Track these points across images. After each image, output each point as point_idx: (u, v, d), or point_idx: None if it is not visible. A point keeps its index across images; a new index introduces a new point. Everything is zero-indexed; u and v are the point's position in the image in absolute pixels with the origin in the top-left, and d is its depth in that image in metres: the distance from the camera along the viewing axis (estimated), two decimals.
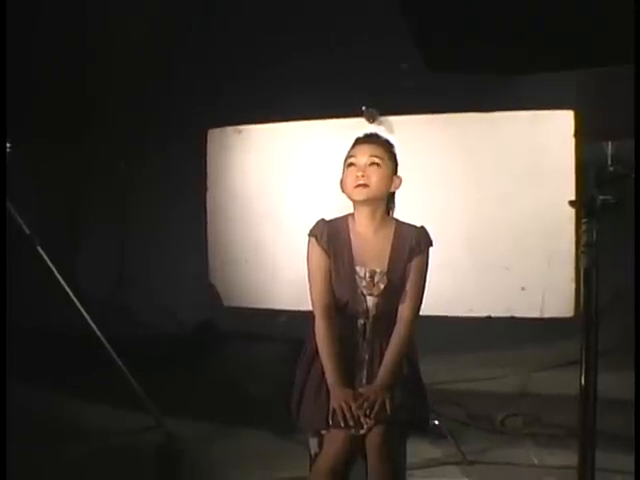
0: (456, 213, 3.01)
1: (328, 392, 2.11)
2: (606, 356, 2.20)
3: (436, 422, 3.05)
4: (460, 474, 2.93)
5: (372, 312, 2.19)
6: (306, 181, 3.19)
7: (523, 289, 2.94)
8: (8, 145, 3.15)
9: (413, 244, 2.19)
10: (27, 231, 3.33)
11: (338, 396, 2.09)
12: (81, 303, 3.38)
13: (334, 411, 2.07)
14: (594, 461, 2.01)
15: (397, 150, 2.28)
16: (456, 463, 2.98)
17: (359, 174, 2.17)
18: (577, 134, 2.86)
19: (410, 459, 2.30)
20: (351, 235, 2.22)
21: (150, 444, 3.18)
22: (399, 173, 2.26)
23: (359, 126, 2.86)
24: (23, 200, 3.40)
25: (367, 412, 2.05)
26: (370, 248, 2.20)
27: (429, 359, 2.44)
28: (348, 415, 2.05)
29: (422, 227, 2.24)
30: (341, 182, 2.24)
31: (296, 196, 3.22)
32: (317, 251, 2.21)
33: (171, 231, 5.04)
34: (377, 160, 2.19)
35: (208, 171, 3.43)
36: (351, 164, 2.21)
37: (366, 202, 2.19)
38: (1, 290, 2.68)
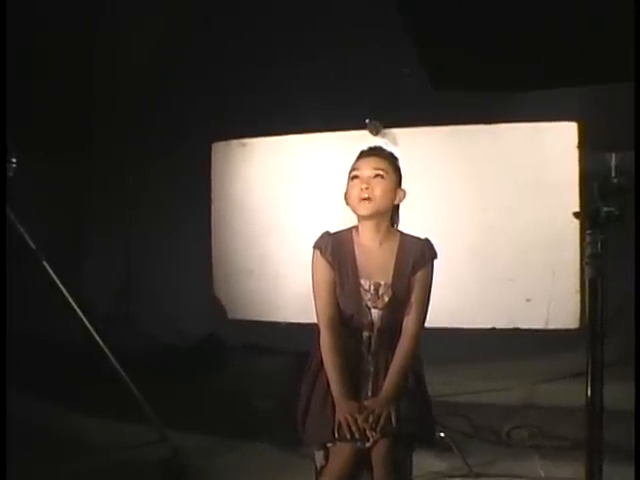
0: (460, 225, 3.01)
1: (334, 405, 2.11)
2: (612, 367, 2.19)
3: (442, 434, 3.03)
4: None
5: (377, 325, 2.19)
6: (310, 193, 3.20)
7: (528, 300, 2.94)
8: (14, 160, 3.16)
9: (417, 256, 2.20)
10: (33, 246, 3.33)
11: (343, 409, 2.08)
12: (85, 315, 3.38)
13: (340, 424, 2.07)
14: (601, 473, 2.00)
15: (401, 163, 2.29)
16: (462, 476, 2.97)
17: (363, 187, 2.18)
18: (580, 145, 2.86)
19: (416, 472, 2.29)
20: (355, 248, 2.23)
21: (154, 458, 3.16)
22: (403, 186, 2.27)
23: (363, 138, 2.88)
24: (27, 212, 3.40)
25: (373, 425, 2.05)
26: (375, 261, 2.21)
27: (434, 371, 2.44)
28: (354, 428, 2.05)
29: (426, 239, 2.24)
30: (345, 195, 2.25)
31: (300, 208, 3.22)
32: (321, 263, 2.22)
33: (175, 243, 5.05)
34: (381, 172, 2.20)
35: (213, 184, 3.45)
36: (355, 177, 2.22)
37: (371, 216, 2.20)
38: (2, 301, 2.67)
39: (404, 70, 3.75)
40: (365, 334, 2.19)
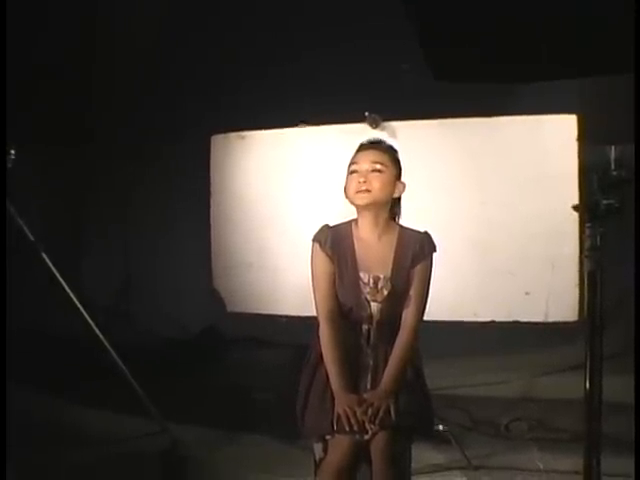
0: (460, 218, 3.01)
1: (333, 397, 2.11)
2: (611, 360, 2.19)
3: (440, 427, 3.04)
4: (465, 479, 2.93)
5: (376, 317, 2.19)
6: (309, 186, 3.20)
7: (527, 294, 2.94)
8: (12, 152, 3.16)
9: (417, 250, 2.20)
10: (31, 238, 3.33)
11: (342, 401, 2.09)
12: (85, 309, 3.38)
13: (339, 416, 2.07)
14: (600, 466, 2.00)
15: (400, 155, 2.29)
16: (461, 468, 2.98)
17: (361, 180, 2.18)
18: (580, 138, 2.86)
19: (415, 464, 2.30)
20: (355, 241, 2.23)
21: (154, 450, 3.17)
22: (402, 179, 2.26)
23: (362, 131, 2.87)
24: (27, 207, 3.40)
25: (371, 418, 2.06)
26: (374, 254, 2.21)
27: (433, 364, 2.44)
28: (353, 420, 2.05)
29: (426, 233, 2.24)
30: (344, 188, 2.25)
31: (299, 201, 3.22)
32: (321, 257, 2.22)
33: (175, 237, 5.04)
34: (379, 166, 2.20)
35: (212, 177, 3.44)
36: (354, 170, 2.22)
37: (368, 207, 2.20)
38: (2, 294, 2.67)
39: (403, 66, 3.73)
40: (364, 327, 2.20)
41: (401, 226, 2.26)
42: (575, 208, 2.20)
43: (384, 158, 2.22)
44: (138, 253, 5.35)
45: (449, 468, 2.99)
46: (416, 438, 2.22)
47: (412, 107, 3.12)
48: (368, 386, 2.17)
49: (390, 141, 2.36)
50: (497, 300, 2.99)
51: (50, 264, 3.35)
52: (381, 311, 2.19)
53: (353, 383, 2.14)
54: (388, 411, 2.07)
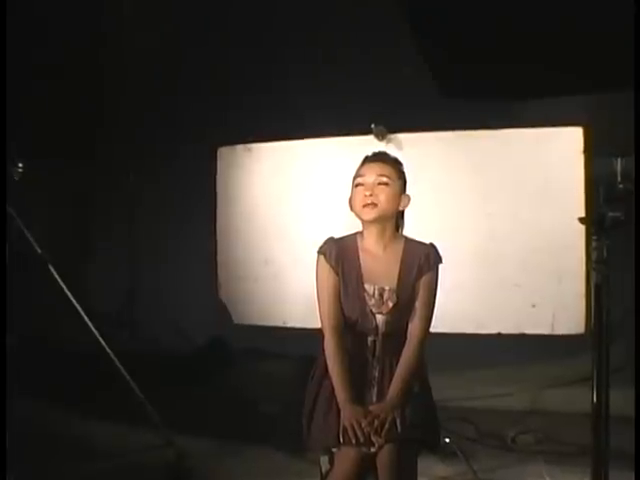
0: (465, 230, 3.01)
1: (339, 410, 2.11)
2: (618, 372, 2.19)
3: (447, 440, 3.03)
4: None
5: (382, 330, 2.19)
6: (315, 198, 3.21)
7: (533, 306, 2.94)
8: (20, 165, 3.18)
9: (422, 261, 2.20)
10: (38, 250, 3.34)
11: (349, 414, 2.08)
12: (90, 319, 3.38)
13: (345, 429, 2.07)
14: (607, 479, 2.00)
15: (406, 167, 2.29)
16: None
17: (367, 193, 2.18)
18: (586, 150, 2.86)
19: (421, 477, 2.28)
20: (360, 253, 2.23)
21: (159, 462, 3.16)
22: (408, 190, 2.27)
23: (368, 143, 2.88)
24: (33, 217, 3.41)
25: (377, 430, 2.05)
26: (379, 266, 2.21)
27: (439, 376, 2.43)
28: (359, 433, 2.04)
29: (431, 244, 2.24)
30: (350, 201, 2.25)
31: (305, 213, 3.23)
32: (326, 269, 2.22)
33: (181, 248, 5.05)
34: (385, 179, 2.20)
35: (218, 189, 3.46)
36: (359, 184, 2.22)
37: (375, 221, 2.20)
38: (2, 304, 2.67)
39: (404, 69, 3.75)
40: (370, 339, 2.19)
41: (406, 238, 2.26)
42: (581, 220, 2.21)
43: (390, 171, 2.22)
44: (144, 263, 5.36)
45: None
46: (422, 451, 2.21)
47: (418, 120, 3.14)
48: (374, 398, 2.16)
49: (396, 153, 2.37)
50: (503, 312, 2.99)
51: (56, 275, 3.36)
52: (386, 323, 2.18)
53: (359, 395, 2.13)
54: (394, 423, 2.07)
